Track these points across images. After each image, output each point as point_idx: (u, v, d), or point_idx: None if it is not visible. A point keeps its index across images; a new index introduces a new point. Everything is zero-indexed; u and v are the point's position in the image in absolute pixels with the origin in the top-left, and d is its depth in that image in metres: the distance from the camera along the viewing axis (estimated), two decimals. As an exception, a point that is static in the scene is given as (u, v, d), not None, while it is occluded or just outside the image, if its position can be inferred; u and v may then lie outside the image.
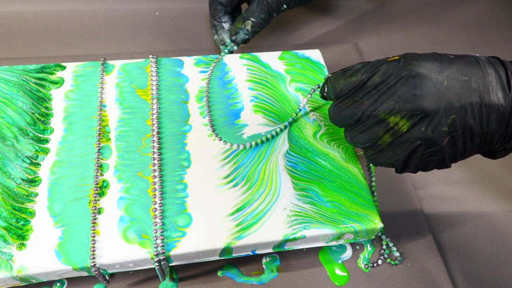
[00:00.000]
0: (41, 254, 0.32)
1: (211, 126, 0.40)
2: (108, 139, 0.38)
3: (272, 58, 0.47)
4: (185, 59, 0.45)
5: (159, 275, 0.35)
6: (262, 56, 0.47)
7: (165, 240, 0.33)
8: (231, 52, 0.49)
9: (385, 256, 0.41)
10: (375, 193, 0.45)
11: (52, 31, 0.55)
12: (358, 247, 0.41)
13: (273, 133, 0.40)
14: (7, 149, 0.37)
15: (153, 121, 0.39)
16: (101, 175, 0.36)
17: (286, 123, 0.41)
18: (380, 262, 0.40)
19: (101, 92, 0.41)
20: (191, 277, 0.38)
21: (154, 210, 0.34)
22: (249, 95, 0.43)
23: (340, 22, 0.63)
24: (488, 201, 0.46)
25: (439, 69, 0.28)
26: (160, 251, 0.33)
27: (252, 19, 0.47)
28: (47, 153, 0.37)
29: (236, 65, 0.46)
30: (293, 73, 0.46)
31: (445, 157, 0.30)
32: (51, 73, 0.42)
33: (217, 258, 0.35)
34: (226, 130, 0.40)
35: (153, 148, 0.38)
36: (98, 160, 0.37)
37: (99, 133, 0.38)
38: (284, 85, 0.45)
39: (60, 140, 0.38)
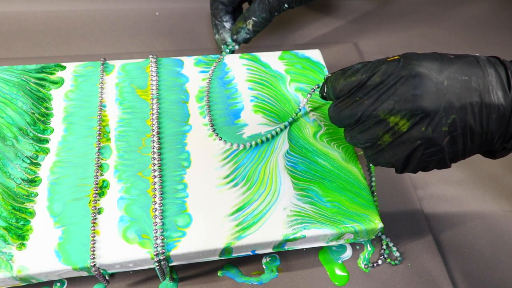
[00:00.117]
0: (41, 254, 0.32)
1: (211, 126, 0.40)
2: (108, 139, 0.38)
3: (272, 58, 0.47)
4: (185, 59, 0.45)
5: (159, 275, 0.35)
6: (262, 56, 0.47)
7: (165, 240, 0.33)
8: (232, 51, 0.49)
9: (385, 256, 0.41)
10: (375, 193, 0.45)
11: (52, 31, 0.55)
12: (358, 247, 0.41)
13: (273, 133, 0.40)
14: (7, 149, 0.37)
15: (153, 121, 0.39)
16: (101, 175, 0.36)
17: (286, 123, 0.41)
18: (380, 262, 0.40)
19: (101, 92, 0.41)
20: (191, 277, 0.38)
21: (154, 210, 0.34)
22: (249, 95, 0.43)
23: (340, 22, 0.63)
24: (488, 201, 0.46)
25: (439, 68, 0.28)
26: (160, 251, 0.33)
27: (253, 18, 0.47)
28: (47, 153, 0.37)
29: (236, 65, 0.46)
30: (293, 73, 0.46)
31: (445, 157, 0.30)
32: (51, 73, 0.42)
33: (217, 258, 0.35)
34: (226, 130, 0.40)
35: (153, 148, 0.38)
36: (98, 160, 0.37)
37: (99, 133, 0.38)
38: (284, 85, 0.45)
39: (60, 140, 0.38)
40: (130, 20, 0.58)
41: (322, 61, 0.47)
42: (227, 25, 0.50)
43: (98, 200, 0.35)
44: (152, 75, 0.43)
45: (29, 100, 0.40)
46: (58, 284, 0.37)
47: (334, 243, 0.37)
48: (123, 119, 0.40)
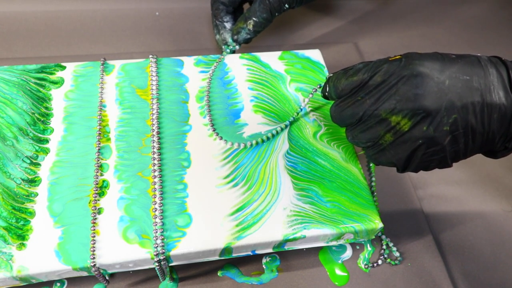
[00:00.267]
0: (41, 254, 0.32)
1: (212, 126, 0.40)
2: (108, 139, 0.38)
3: (272, 58, 0.47)
4: (185, 59, 0.45)
5: (159, 275, 0.35)
6: (262, 56, 0.47)
7: (165, 240, 0.33)
8: (233, 52, 0.49)
9: (385, 256, 0.41)
10: (375, 193, 0.45)
11: (52, 31, 0.55)
12: (358, 247, 0.41)
13: (274, 132, 0.40)
14: (7, 149, 0.37)
15: (153, 121, 0.39)
16: (101, 175, 0.36)
17: (287, 122, 0.41)
18: (380, 262, 0.40)
19: (101, 92, 0.41)
20: (191, 277, 0.38)
21: (154, 210, 0.34)
22: (249, 95, 0.43)
23: (340, 22, 0.63)
24: (488, 201, 0.46)
25: (441, 68, 0.28)
26: (160, 251, 0.33)
27: (254, 18, 0.47)
28: (47, 153, 0.37)
29: (236, 65, 0.46)
30: (293, 73, 0.46)
31: (447, 156, 0.30)
32: (51, 73, 0.42)
33: (217, 258, 0.35)
34: (227, 129, 0.40)
35: (153, 148, 0.38)
36: (98, 160, 0.37)
37: (99, 133, 0.38)
38: (284, 85, 0.45)
39: (60, 140, 0.38)
40: (130, 20, 0.58)
41: (322, 61, 0.47)
42: (228, 25, 0.50)
43: (98, 200, 0.35)
44: (152, 75, 0.43)
45: (29, 100, 0.40)
46: (58, 284, 0.37)
47: (334, 243, 0.37)
48: (123, 119, 0.40)
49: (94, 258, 0.32)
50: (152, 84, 0.42)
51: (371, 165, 0.47)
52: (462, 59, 0.29)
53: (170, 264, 0.34)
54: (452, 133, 0.28)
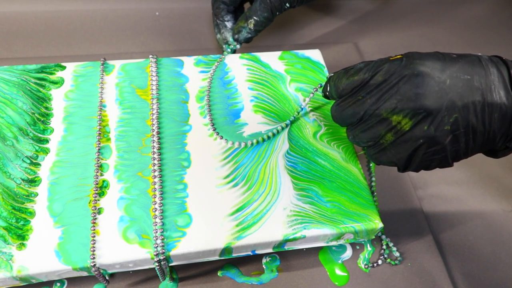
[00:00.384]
0: (41, 254, 0.32)
1: (212, 125, 0.40)
2: (108, 139, 0.38)
3: (272, 58, 0.47)
4: (185, 59, 0.45)
5: (159, 275, 0.35)
6: (262, 56, 0.47)
7: (165, 240, 0.33)
8: (234, 51, 0.49)
9: (385, 256, 0.41)
10: (375, 193, 0.45)
11: (52, 31, 0.55)
12: (358, 247, 0.41)
13: (274, 131, 0.40)
14: (7, 149, 0.37)
15: (153, 121, 0.39)
16: (101, 175, 0.36)
17: (288, 121, 0.41)
18: (380, 262, 0.40)
19: (101, 92, 0.41)
20: (191, 277, 0.38)
21: (154, 210, 0.34)
22: (249, 95, 0.43)
23: (340, 22, 0.63)
24: (488, 201, 0.46)
25: (442, 68, 0.28)
26: (160, 251, 0.33)
27: (255, 17, 0.47)
28: (47, 153, 0.37)
29: (236, 65, 0.46)
30: (293, 73, 0.46)
31: (448, 155, 0.30)
32: (51, 73, 0.42)
33: (217, 258, 0.35)
34: (227, 129, 0.40)
35: (153, 148, 0.38)
36: (98, 160, 0.37)
37: (99, 133, 0.38)
38: (284, 85, 0.45)
39: (60, 140, 0.38)
40: (130, 20, 0.58)
41: (322, 61, 0.47)
42: (229, 24, 0.50)
43: (98, 200, 0.35)
44: (152, 75, 0.43)
45: (29, 100, 0.40)
46: (58, 284, 0.37)
47: (334, 243, 0.37)
48: (123, 119, 0.40)
49: (94, 258, 0.32)
50: (152, 84, 0.42)
51: (371, 165, 0.47)
52: (463, 59, 0.29)
53: (170, 264, 0.34)
54: (453, 132, 0.28)
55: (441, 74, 0.28)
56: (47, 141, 0.38)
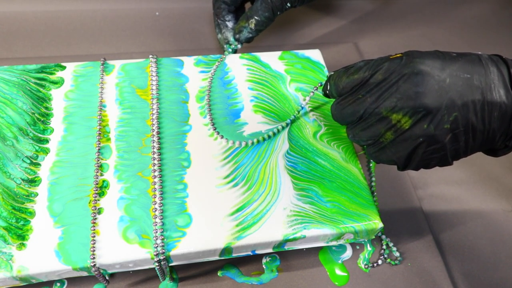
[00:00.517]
0: (41, 254, 0.32)
1: (212, 125, 0.40)
2: (108, 139, 0.38)
3: (272, 58, 0.47)
4: (185, 59, 0.45)
5: (159, 275, 0.35)
6: (262, 56, 0.47)
7: (165, 240, 0.33)
8: (235, 51, 0.49)
9: (385, 256, 0.41)
10: (375, 193, 0.45)
11: (52, 31, 0.55)
12: (358, 247, 0.41)
13: (275, 130, 0.40)
14: (7, 149, 0.37)
15: (153, 121, 0.39)
16: (101, 175, 0.36)
17: (288, 120, 0.41)
18: (380, 262, 0.40)
19: (101, 92, 0.41)
20: (191, 277, 0.38)
21: (154, 210, 0.34)
22: (249, 95, 0.43)
23: (340, 22, 0.63)
24: (488, 201, 0.46)
25: (441, 66, 0.29)
26: (160, 251, 0.33)
27: (256, 17, 0.47)
28: (47, 153, 0.37)
29: (236, 65, 0.46)
30: (293, 73, 0.46)
31: (447, 154, 0.30)
32: (51, 73, 0.42)
33: (217, 258, 0.35)
34: (227, 128, 0.40)
35: (153, 148, 0.38)
36: (98, 160, 0.37)
37: (99, 133, 0.38)
38: (284, 85, 0.45)
39: (60, 140, 0.38)
40: (130, 20, 0.58)
41: (322, 61, 0.47)
42: (230, 24, 0.50)
43: (98, 200, 0.35)
44: (152, 75, 0.43)
45: (29, 100, 0.40)
46: (58, 284, 0.37)
47: (334, 243, 0.37)
48: (123, 119, 0.40)
49: (94, 258, 0.32)
50: (152, 84, 0.42)
51: (371, 165, 0.47)
52: (463, 57, 0.29)
53: (170, 264, 0.34)
54: (453, 131, 0.28)
55: (441, 73, 0.28)
56: (47, 141, 0.38)
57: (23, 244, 0.32)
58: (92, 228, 0.33)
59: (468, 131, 0.29)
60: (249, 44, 0.55)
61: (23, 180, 0.35)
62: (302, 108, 0.42)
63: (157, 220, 0.34)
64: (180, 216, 0.35)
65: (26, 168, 0.36)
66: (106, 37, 0.56)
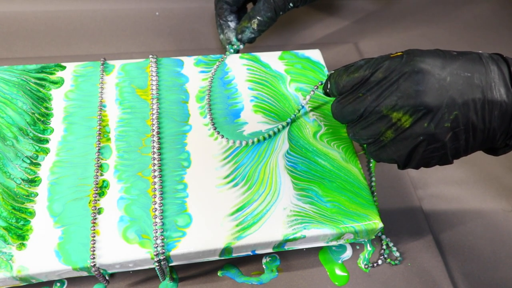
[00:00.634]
0: (41, 254, 0.32)
1: (213, 124, 0.40)
2: (108, 139, 0.38)
3: (272, 58, 0.47)
4: (185, 59, 0.45)
5: (159, 275, 0.35)
6: (262, 56, 0.47)
7: (165, 240, 0.33)
8: (237, 51, 0.49)
9: (385, 256, 0.41)
10: (375, 193, 0.45)
11: (52, 31, 0.55)
12: (358, 247, 0.41)
13: (275, 129, 0.40)
14: (7, 149, 0.37)
15: (153, 121, 0.39)
16: (101, 175, 0.36)
17: (289, 119, 0.41)
18: (380, 262, 0.40)
19: (101, 92, 0.41)
20: (191, 277, 0.38)
21: (154, 210, 0.34)
22: (249, 95, 0.43)
23: (340, 23, 0.63)
24: (488, 201, 0.46)
25: (442, 65, 0.29)
26: (160, 251, 0.33)
27: (258, 17, 0.47)
28: (47, 153, 0.37)
29: (236, 65, 0.46)
30: (293, 73, 0.46)
31: (448, 153, 0.30)
32: (51, 73, 0.42)
33: (217, 258, 0.35)
34: (227, 128, 0.40)
35: (153, 148, 0.38)
36: (98, 160, 0.37)
37: (99, 133, 0.38)
38: (284, 85, 0.45)
39: (60, 140, 0.38)
40: (130, 20, 0.58)
41: (322, 61, 0.47)
42: (232, 24, 0.50)
43: (98, 200, 0.35)
44: (152, 75, 0.43)
45: (29, 100, 0.40)
46: (58, 284, 0.37)
47: (334, 243, 0.37)
48: (123, 119, 0.40)
49: (94, 258, 0.32)
50: (152, 84, 0.42)
51: (371, 165, 0.47)
52: (463, 56, 0.29)
53: (170, 264, 0.34)
54: (453, 129, 0.28)
55: (441, 72, 0.28)
56: (47, 141, 0.38)
57: (23, 244, 0.32)
58: (92, 228, 0.33)
59: (469, 129, 0.29)
60: (249, 44, 0.55)
61: (23, 180, 0.35)
62: (302, 107, 0.42)
63: (157, 220, 0.34)
64: (180, 216, 0.35)
65: (26, 168, 0.36)
66: (106, 37, 0.56)
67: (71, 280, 0.37)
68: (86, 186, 0.35)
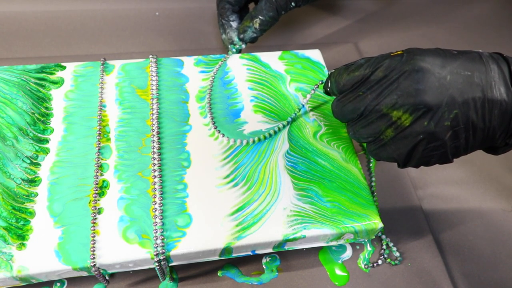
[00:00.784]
0: (41, 254, 0.32)
1: (213, 124, 0.40)
2: (108, 139, 0.38)
3: (272, 58, 0.47)
4: (185, 59, 0.45)
5: (159, 275, 0.35)
6: (262, 56, 0.47)
7: (165, 240, 0.33)
8: (239, 51, 0.49)
9: (385, 256, 0.41)
10: (375, 193, 0.45)
11: (52, 31, 0.55)
12: (358, 247, 0.41)
13: (276, 129, 0.40)
14: (7, 149, 0.37)
15: (153, 121, 0.39)
16: (101, 175, 0.36)
17: (289, 118, 0.41)
18: (380, 262, 0.40)
19: (101, 92, 0.41)
20: (191, 277, 0.38)
21: (154, 210, 0.34)
22: (249, 95, 0.43)
23: (340, 23, 0.63)
24: (488, 201, 0.46)
25: (442, 64, 0.29)
26: (160, 251, 0.33)
27: (260, 17, 0.47)
28: (47, 153, 0.37)
29: (236, 65, 0.46)
30: (293, 73, 0.46)
31: (447, 151, 0.30)
32: (51, 73, 0.42)
33: (217, 258, 0.35)
34: (227, 127, 0.40)
35: (153, 148, 0.38)
36: (98, 160, 0.37)
37: (99, 133, 0.38)
38: (284, 85, 0.45)
39: (60, 140, 0.38)
40: (130, 20, 0.58)
41: (322, 61, 0.47)
42: (234, 24, 0.50)
43: (98, 200, 0.35)
44: (152, 75, 0.43)
45: (29, 100, 0.40)
46: (58, 284, 0.37)
47: (334, 243, 0.37)
48: (123, 119, 0.40)
49: (94, 258, 0.32)
50: (152, 84, 0.42)
51: (371, 165, 0.47)
52: (463, 55, 0.29)
53: (170, 264, 0.34)
54: (453, 128, 0.28)
55: (441, 70, 0.28)
56: (47, 141, 0.38)
57: (23, 244, 0.32)
58: (92, 228, 0.33)
59: (469, 128, 0.29)
60: (250, 44, 0.55)
61: (23, 180, 0.35)
62: (303, 106, 0.42)
63: (157, 220, 0.34)
64: (180, 216, 0.35)
65: (26, 168, 0.36)
66: (106, 37, 0.56)
67: (71, 280, 0.37)
68: (86, 186, 0.35)
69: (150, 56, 0.44)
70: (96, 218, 0.34)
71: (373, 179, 0.46)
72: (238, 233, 0.34)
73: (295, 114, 0.41)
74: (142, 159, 0.37)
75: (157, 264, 0.33)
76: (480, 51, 0.30)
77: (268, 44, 0.58)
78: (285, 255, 0.40)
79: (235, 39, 0.49)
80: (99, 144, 0.38)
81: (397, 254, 0.41)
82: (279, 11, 0.47)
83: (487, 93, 0.28)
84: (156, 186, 0.35)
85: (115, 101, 0.41)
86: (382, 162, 0.47)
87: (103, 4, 0.59)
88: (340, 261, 0.40)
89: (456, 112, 0.28)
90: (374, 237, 0.39)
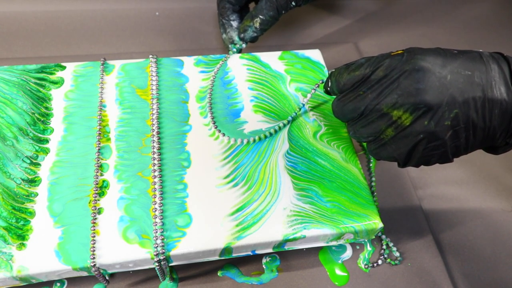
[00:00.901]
0: (41, 254, 0.32)
1: (214, 123, 0.40)
2: (108, 139, 0.38)
3: (272, 58, 0.47)
4: (185, 59, 0.45)
5: (159, 275, 0.35)
6: (262, 56, 0.47)
7: (165, 240, 0.33)
8: (239, 50, 0.49)
9: (385, 256, 0.41)
10: (375, 193, 0.45)
11: (52, 31, 0.55)
12: (358, 247, 0.41)
13: (276, 128, 0.40)
14: (7, 149, 0.37)
15: (153, 121, 0.39)
16: (101, 175, 0.36)
17: (290, 117, 0.41)
18: (380, 262, 0.40)
19: (101, 92, 0.41)
20: (191, 277, 0.38)
21: (154, 210, 0.34)
22: (249, 95, 0.43)
23: (340, 22, 0.63)
24: (488, 201, 0.46)
25: (443, 63, 0.29)
26: (160, 251, 0.33)
27: (260, 16, 0.47)
28: (47, 153, 0.37)
29: (236, 65, 0.46)
30: (293, 73, 0.46)
31: (448, 151, 0.30)
32: (51, 73, 0.42)
33: (217, 258, 0.35)
34: (228, 127, 0.40)
35: (153, 148, 0.38)
36: (98, 160, 0.37)
37: (99, 133, 0.38)
38: (284, 85, 0.45)
39: (60, 140, 0.38)
40: (130, 20, 0.58)
41: (322, 61, 0.47)
42: (234, 24, 0.50)
43: (98, 200, 0.35)
44: (152, 75, 0.43)
45: (29, 100, 0.40)
46: (58, 284, 0.37)
47: (334, 243, 0.37)
48: (123, 119, 0.40)
49: (94, 258, 0.32)
50: (152, 84, 0.42)
51: (371, 165, 0.47)
52: (464, 55, 0.29)
53: (170, 264, 0.34)
54: (453, 128, 0.28)
55: (442, 70, 0.28)
56: (47, 141, 0.38)
57: (23, 244, 0.32)
58: (92, 228, 0.33)
59: (469, 128, 0.29)
60: (250, 44, 0.55)
61: (23, 180, 0.35)
62: (303, 106, 0.42)
63: (157, 220, 0.34)
64: (180, 216, 0.35)
65: (26, 168, 0.36)
66: (106, 37, 0.56)
67: (71, 280, 0.37)
68: (86, 186, 0.35)
69: (150, 56, 0.44)
70: (96, 218, 0.34)
71: (373, 179, 0.46)
72: (238, 233, 0.34)
73: (295, 113, 0.41)
74: (142, 159, 0.37)
75: (157, 264, 0.33)
76: (481, 50, 0.30)
77: (268, 44, 0.58)
78: (285, 255, 0.40)
79: (236, 38, 0.49)
80: (99, 144, 0.38)
81: (397, 254, 0.41)
82: (279, 10, 0.47)
83: (488, 93, 0.28)
84: (156, 186, 0.35)
85: (115, 101, 0.41)
86: (382, 162, 0.47)
87: (103, 4, 0.59)
88: (340, 261, 0.40)
89: (456, 112, 0.28)
90: (374, 237, 0.39)
